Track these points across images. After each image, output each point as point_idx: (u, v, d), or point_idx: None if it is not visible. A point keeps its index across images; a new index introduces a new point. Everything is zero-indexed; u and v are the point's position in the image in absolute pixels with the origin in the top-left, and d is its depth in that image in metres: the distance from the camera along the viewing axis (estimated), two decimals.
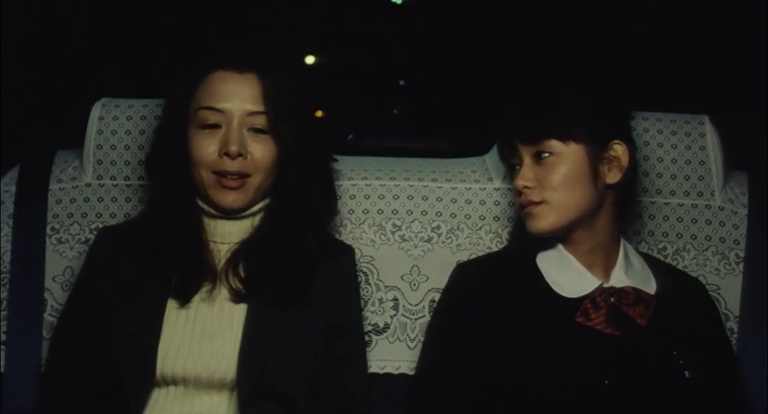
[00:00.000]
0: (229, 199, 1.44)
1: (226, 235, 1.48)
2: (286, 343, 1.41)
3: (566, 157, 1.42)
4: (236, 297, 1.43)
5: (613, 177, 1.44)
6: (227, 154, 1.42)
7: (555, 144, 1.42)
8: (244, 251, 1.46)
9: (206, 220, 1.49)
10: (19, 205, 1.62)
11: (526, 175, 1.43)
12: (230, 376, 1.37)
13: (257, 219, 1.49)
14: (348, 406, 1.45)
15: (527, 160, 1.44)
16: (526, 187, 1.43)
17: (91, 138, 1.65)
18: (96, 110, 1.66)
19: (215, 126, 1.44)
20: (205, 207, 1.48)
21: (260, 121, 1.45)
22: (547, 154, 1.42)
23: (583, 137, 1.42)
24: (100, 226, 1.60)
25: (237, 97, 1.44)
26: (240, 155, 1.43)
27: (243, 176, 1.44)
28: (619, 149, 1.45)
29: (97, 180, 1.65)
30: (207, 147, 1.43)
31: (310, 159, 1.49)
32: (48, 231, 1.62)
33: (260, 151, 1.45)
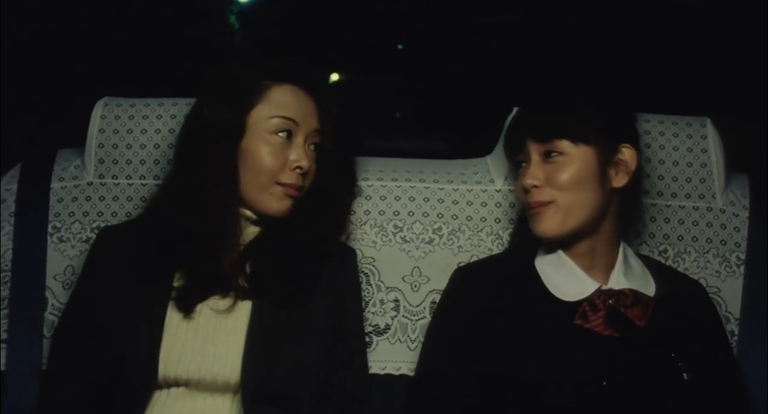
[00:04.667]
0: (283, 207, 1.46)
1: (240, 237, 1.48)
2: (290, 346, 1.41)
3: (576, 159, 1.42)
4: (239, 299, 1.43)
5: (620, 180, 1.44)
6: (299, 168, 1.45)
7: (566, 144, 1.42)
8: (253, 253, 1.47)
9: (240, 223, 1.49)
10: (21, 203, 1.63)
11: (535, 174, 1.43)
12: (234, 378, 1.37)
13: (269, 222, 1.50)
14: (350, 407, 1.45)
15: (536, 157, 1.44)
16: (534, 186, 1.43)
17: (92, 137, 1.65)
18: (98, 109, 1.66)
19: (288, 135, 1.46)
20: (242, 210, 1.48)
21: (319, 139, 1.50)
22: (556, 154, 1.42)
23: (594, 140, 1.42)
24: (102, 224, 1.60)
25: (307, 112, 1.49)
26: (307, 171, 1.47)
27: (300, 189, 1.48)
28: (627, 153, 1.45)
29: (99, 179, 1.65)
30: (276, 156, 1.45)
31: (344, 178, 1.59)
32: (49, 230, 1.62)
33: (313, 168, 1.49)
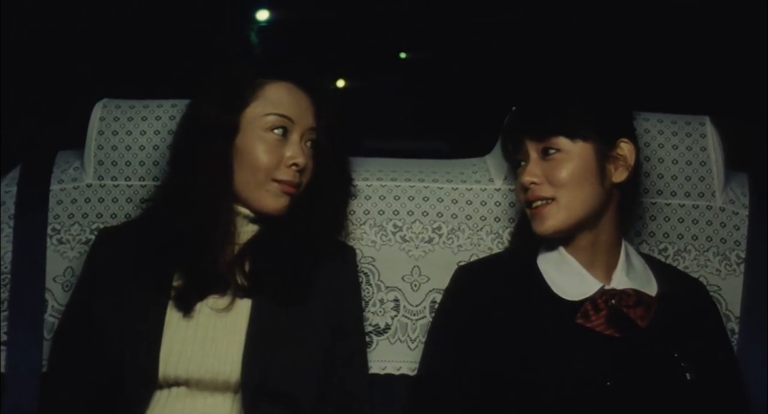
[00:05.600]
0: (280, 204, 1.46)
1: (236, 236, 1.48)
2: (290, 345, 1.41)
3: (574, 155, 1.42)
4: (238, 297, 1.43)
5: (619, 175, 1.44)
6: (295, 164, 1.46)
7: (563, 141, 1.42)
8: (251, 251, 1.47)
9: (237, 221, 1.49)
10: (20, 205, 1.63)
11: (533, 171, 1.43)
12: (234, 378, 1.37)
13: (267, 220, 1.50)
14: (350, 407, 1.45)
15: (534, 155, 1.44)
16: (533, 183, 1.43)
17: (92, 139, 1.65)
18: (97, 111, 1.66)
19: (284, 132, 1.46)
20: (239, 208, 1.48)
21: (315, 137, 1.50)
22: (554, 151, 1.42)
23: (591, 136, 1.42)
24: (101, 226, 1.60)
25: (302, 110, 1.49)
26: (304, 168, 1.47)
27: (297, 186, 1.47)
28: (625, 148, 1.45)
29: (98, 180, 1.65)
30: (271, 153, 1.45)
31: (340, 176, 1.58)
32: (49, 231, 1.62)
33: (310, 165, 1.50)
